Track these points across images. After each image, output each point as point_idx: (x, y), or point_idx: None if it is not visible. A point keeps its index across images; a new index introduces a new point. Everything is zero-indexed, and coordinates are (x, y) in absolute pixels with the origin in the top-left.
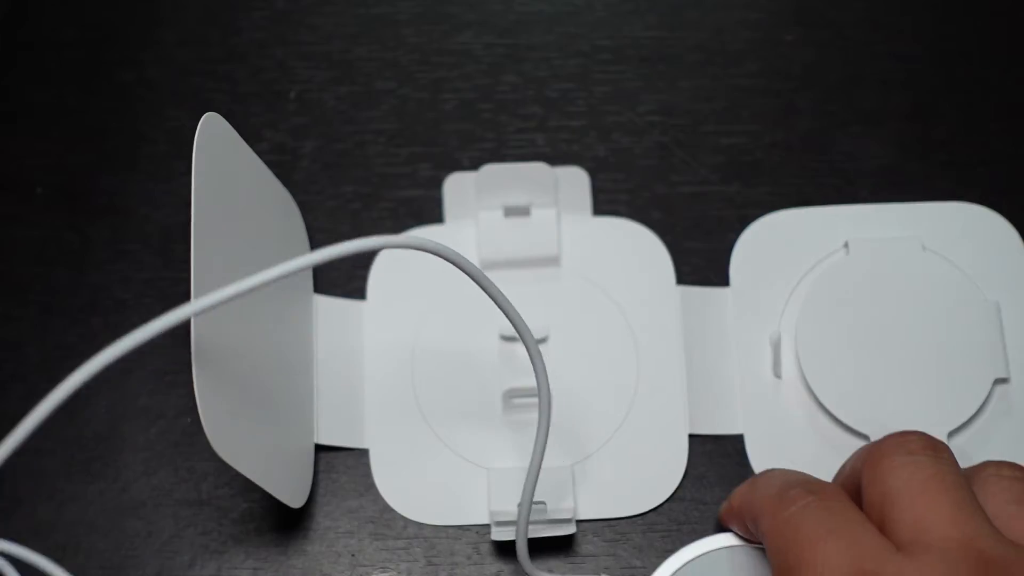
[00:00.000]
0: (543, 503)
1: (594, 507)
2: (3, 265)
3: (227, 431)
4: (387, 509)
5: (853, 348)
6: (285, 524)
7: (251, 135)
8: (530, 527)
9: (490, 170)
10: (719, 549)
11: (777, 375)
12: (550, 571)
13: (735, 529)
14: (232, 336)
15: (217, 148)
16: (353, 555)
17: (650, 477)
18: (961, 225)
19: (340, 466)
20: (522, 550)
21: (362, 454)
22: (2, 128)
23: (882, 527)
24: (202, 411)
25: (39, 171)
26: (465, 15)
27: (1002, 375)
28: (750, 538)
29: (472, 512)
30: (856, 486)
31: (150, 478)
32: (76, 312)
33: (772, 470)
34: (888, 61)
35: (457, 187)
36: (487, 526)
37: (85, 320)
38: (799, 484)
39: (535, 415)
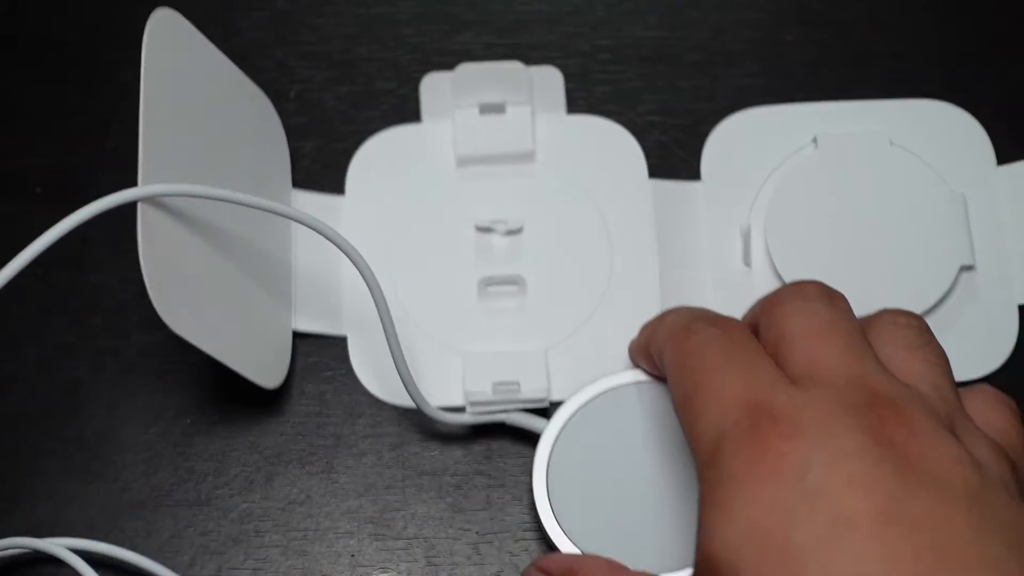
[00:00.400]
0: (516, 383)
1: (568, 390)
2: (3, 265)
3: (180, 306)
4: (387, 509)
5: (822, 238)
6: (285, 524)
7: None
8: (504, 405)
9: (466, 69)
10: (627, 384)
11: (747, 264)
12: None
13: (643, 366)
14: (194, 220)
15: (171, 45)
16: (353, 555)
17: (622, 362)
18: (928, 121)
19: (340, 467)
20: (406, 377)
21: (362, 454)
22: (2, 128)
23: (777, 364)
24: (150, 284)
25: (39, 171)
26: (465, 15)
27: (968, 262)
28: (657, 374)
29: (448, 394)
30: (756, 333)
31: (150, 478)
32: (76, 312)
33: (680, 307)
34: (888, 61)
35: (434, 87)
36: (486, 525)
37: (85, 320)
38: (703, 318)
39: (509, 302)
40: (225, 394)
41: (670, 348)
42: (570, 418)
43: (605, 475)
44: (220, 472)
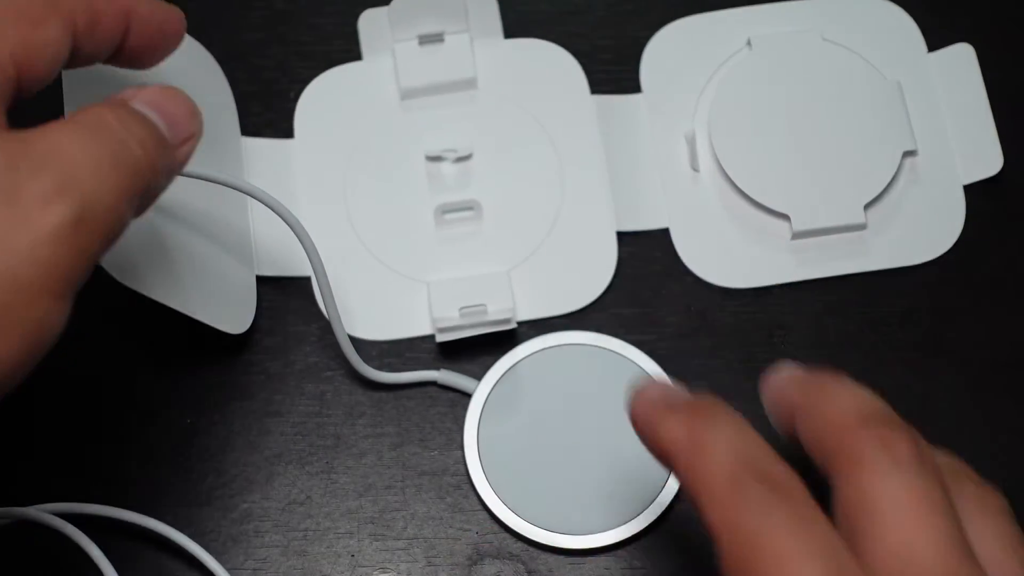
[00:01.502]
0: (483, 305)
1: (533, 308)
2: None
3: (134, 266)
4: (387, 509)
5: (766, 136)
6: (285, 524)
7: (251, 135)
8: (472, 329)
9: (402, 2)
10: (555, 347)
11: (695, 168)
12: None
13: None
14: None
15: None
16: (353, 556)
17: (583, 276)
18: (858, 15)
19: (340, 467)
20: (342, 338)
21: (362, 454)
22: None
23: (852, 536)
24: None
25: None
26: None
27: (910, 147)
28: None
29: (416, 324)
30: (791, 419)
31: (150, 478)
32: (76, 312)
33: (712, 415)
34: None
35: (372, 23)
36: (486, 525)
37: (85, 320)
38: (753, 471)
39: (466, 228)
40: (226, 394)
41: (714, 505)
42: (500, 379)
43: (535, 435)
44: (220, 472)
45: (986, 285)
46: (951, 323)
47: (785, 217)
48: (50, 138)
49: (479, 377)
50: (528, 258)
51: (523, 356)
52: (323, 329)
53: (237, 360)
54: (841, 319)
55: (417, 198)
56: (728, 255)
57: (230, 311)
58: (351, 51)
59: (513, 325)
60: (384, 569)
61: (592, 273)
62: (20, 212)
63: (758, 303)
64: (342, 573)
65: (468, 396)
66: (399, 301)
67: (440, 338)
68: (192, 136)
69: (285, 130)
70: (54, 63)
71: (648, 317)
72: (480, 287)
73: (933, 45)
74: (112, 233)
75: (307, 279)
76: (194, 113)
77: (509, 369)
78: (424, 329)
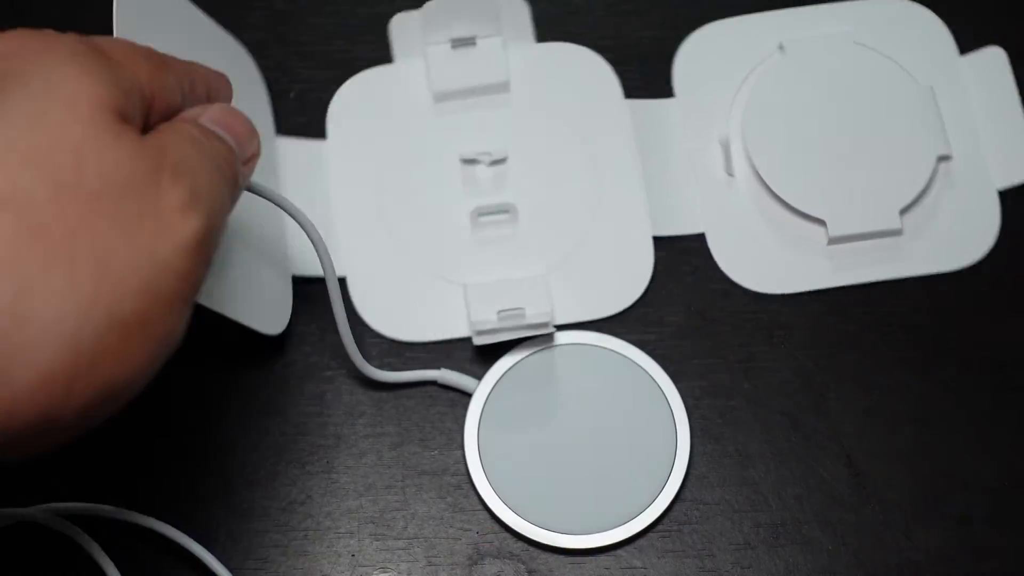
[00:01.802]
0: (522, 309)
1: (570, 311)
2: None
3: None
4: (387, 509)
5: (800, 141)
6: (285, 524)
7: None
8: (510, 332)
9: (434, 5)
10: (555, 346)
11: (730, 173)
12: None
13: None
14: None
15: (142, 3)
16: (353, 555)
17: (620, 280)
18: (889, 20)
19: (340, 467)
20: (346, 336)
21: (362, 454)
22: None
23: None
24: None
25: None
26: None
27: (944, 152)
28: None
29: (452, 326)
30: None
31: (150, 479)
32: None
33: None
34: None
35: (403, 26)
36: (486, 525)
37: None
38: None
39: (502, 231)
40: (225, 393)
41: None
42: (500, 379)
43: (535, 434)
44: (220, 472)
45: (991, 287)
46: (950, 323)
47: (821, 222)
48: (177, 147)
49: (479, 377)
50: (564, 261)
51: (523, 356)
52: (323, 329)
53: (237, 360)
54: (841, 319)
55: (453, 200)
56: (764, 260)
57: (268, 312)
58: (351, 51)
59: (551, 329)
60: (384, 569)
61: (629, 277)
62: (164, 222)
63: (758, 303)
64: (342, 573)
65: (468, 396)
66: (435, 303)
67: (477, 341)
68: (254, 156)
69: (286, 130)
70: (170, 108)
71: (648, 317)
72: (518, 290)
73: (964, 48)
74: (218, 244)
75: (307, 279)
76: (254, 133)
77: (509, 369)
78: (461, 331)
